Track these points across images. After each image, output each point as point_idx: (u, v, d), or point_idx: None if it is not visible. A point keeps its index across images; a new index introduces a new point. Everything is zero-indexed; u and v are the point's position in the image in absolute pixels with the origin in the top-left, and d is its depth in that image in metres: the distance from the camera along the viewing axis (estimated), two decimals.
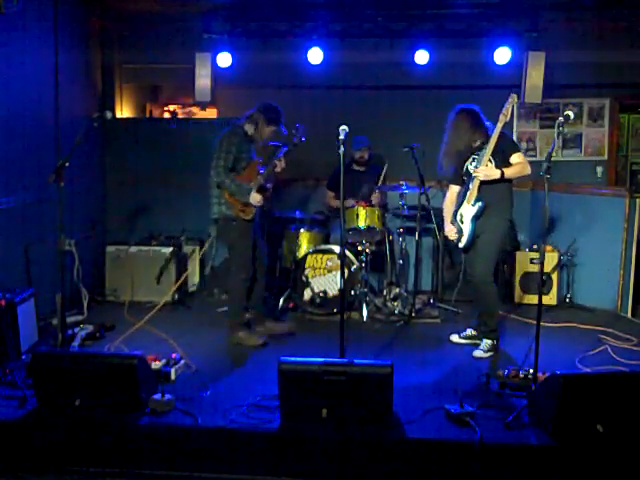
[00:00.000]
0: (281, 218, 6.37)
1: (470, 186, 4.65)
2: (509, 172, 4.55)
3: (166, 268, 6.17)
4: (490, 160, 4.57)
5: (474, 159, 4.70)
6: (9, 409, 3.59)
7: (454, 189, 4.92)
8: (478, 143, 4.68)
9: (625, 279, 5.85)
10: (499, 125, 4.50)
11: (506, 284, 6.35)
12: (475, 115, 4.70)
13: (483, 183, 4.57)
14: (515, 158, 4.59)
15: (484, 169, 4.53)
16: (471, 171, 4.66)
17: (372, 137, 6.30)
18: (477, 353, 4.69)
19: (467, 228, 4.69)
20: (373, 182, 6.28)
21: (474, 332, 4.99)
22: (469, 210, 4.65)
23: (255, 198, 4.75)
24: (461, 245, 4.78)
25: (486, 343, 4.73)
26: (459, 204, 4.79)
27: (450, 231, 4.84)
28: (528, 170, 4.60)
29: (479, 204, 4.59)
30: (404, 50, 6.52)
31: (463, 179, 4.79)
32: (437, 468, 3.27)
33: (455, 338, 5.05)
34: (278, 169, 4.90)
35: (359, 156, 6.27)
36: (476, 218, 4.62)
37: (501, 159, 4.58)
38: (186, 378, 4.13)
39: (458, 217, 4.79)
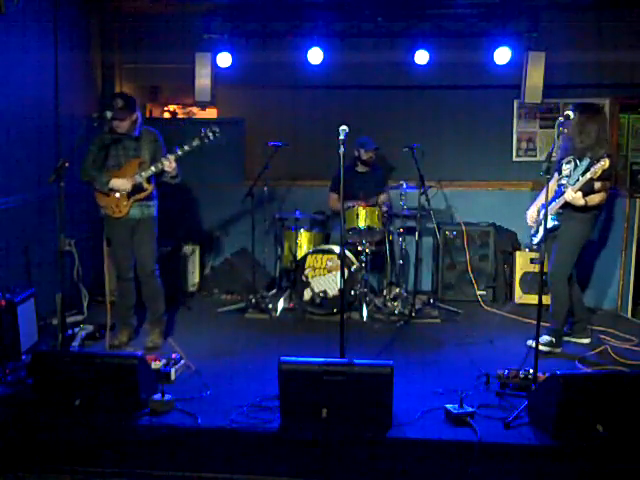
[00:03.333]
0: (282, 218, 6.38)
1: (557, 197, 4.66)
2: (590, 202, 4.53)
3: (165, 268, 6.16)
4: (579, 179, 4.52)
5: (570, 161, 4.66)
6: (9, 410, 3.59)
7: (556, 177, 4.85)
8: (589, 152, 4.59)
9: (625, 279, 5.85)
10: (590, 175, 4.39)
11: (506, 284, 6.36)
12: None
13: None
14: (599, 185, 4.53)
15: (573, 195, 4.49)
16: (564, 174, 4.66)
17: (372, 137, 6.30)
18: (531, 342, 4.62)
19: (541, 232, 4.78)
20: (376, 183, 6.28)
21: (568, 330, 5.00)
22: (548, 220, 4.67)
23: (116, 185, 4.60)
24: (534, 242, 4.91)
25: (544, 337, 4.69)
26: (550, 202, 4.70)
27: (531, 217, 4.94)
28: (604, 201, 4.62)
29: (555, 222, 4.70)
30: (404, 50, 6.51)
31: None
32: (437, 468, 3.27)
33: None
34: (166, 168, 4.54)
35: (368, 157, 6.23)
36: (548, 230, 4.65)
37: (590, 182, 4.51)
38: (186, 378, 4.14)
39: (542, 214, 4.77)
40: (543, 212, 4.75)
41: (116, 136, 4.62)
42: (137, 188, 4.61)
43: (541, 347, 4.58)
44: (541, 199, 4.83)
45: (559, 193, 4.65)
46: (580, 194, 4.48)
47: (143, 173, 4.57)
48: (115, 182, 4.58)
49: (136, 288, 4.92)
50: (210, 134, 4.58)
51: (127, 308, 4.92)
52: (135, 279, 4.88)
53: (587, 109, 4.62)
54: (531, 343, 4.57)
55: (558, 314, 4.76)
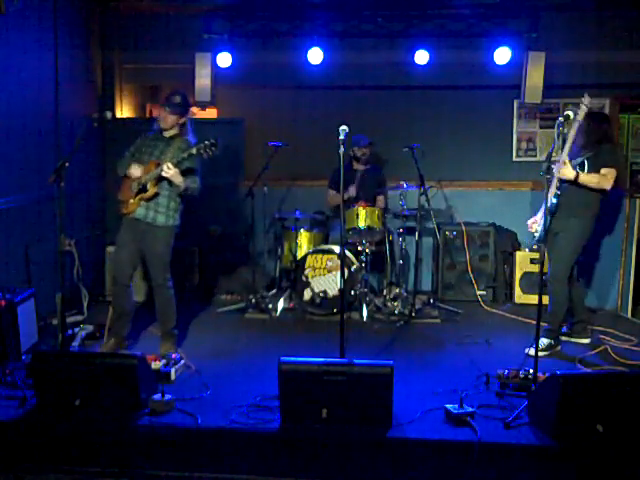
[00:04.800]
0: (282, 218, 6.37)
1: (552, 182, 4.56)
2: (584, 178, 4.48)
3: None
4: (567, 160, 4.47)
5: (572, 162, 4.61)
6: (9, 409, 3.59)
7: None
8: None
9: (625, 279, 5.86)
10: (573, 129, 4.37)
11: (506, 284, 6.36)
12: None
13: (565, 182, 4.52)
14: (603, 170, 4.51)
15: (562, 167, 4.45)
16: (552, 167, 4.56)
17: (372, 137, 6.31)
18: (528, 350, 4.55)
19: (541, 223, 4.70)
20: (375, 181, 6.30)
21: (568, 331, 4.98)
22: (550, 200, 4.57)
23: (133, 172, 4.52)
24: (535, 240, 4.83)
25: (542, 341, 4.62)
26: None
27: (532, 225, 4.85)
28: (606, 185, 4.52)
29: (552, 200, 4.55)
30: (404, 50, 6.52)
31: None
32: (437, 468, 3.27)
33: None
34: (164, 174, 4.36)
35: (362, 153, 6.26)
36: (550, 214, 4.52)
37: (595, 166, 4.49)
38: (186, 378, 4.14)
39: (542, 211, 4.74)
40: (543, 208, 4.72)
41: (152, 135, 4.61)
42: (142, 188, 4.51)
43: (541, 353, 4.53)
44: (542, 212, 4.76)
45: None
46: (569, 166, 4.43)
47: (150, 174, 4.46)
48: (132, 167, 4.52)
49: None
50: (209, 150, 4.36)
51: (117, 315, 4.65)
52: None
53: (596, 117, 4.66)
54: (528, 351, 4.50)
55: (556, 314, 4.74)
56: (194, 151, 4.38)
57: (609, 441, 3.23)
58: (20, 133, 5.15)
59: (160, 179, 4.48)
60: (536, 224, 4.83)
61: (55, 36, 5.63)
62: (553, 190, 4.58)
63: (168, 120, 4.58)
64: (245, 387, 3.96)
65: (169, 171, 4.36)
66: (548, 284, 4.74)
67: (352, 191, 6.12)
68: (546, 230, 4.35)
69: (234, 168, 6.90)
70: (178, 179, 4.42)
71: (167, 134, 4.62)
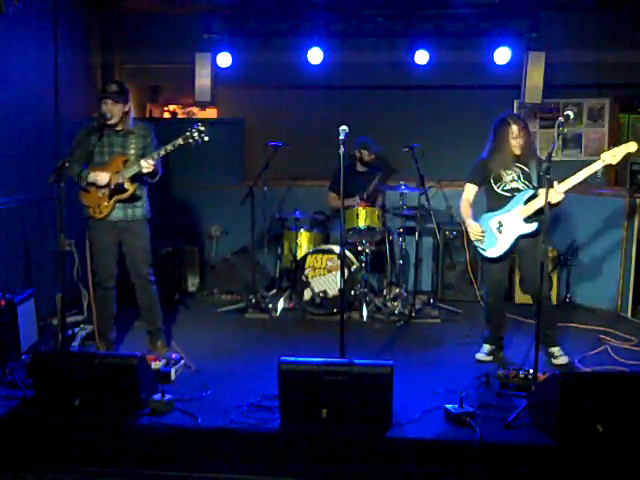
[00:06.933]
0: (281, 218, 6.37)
1: (522, 200, 4.38)
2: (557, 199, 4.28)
3: (165, 268, 6.17)
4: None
5: (515, 170, 4.46)
6: (9, 409, 3.59)
7: (473, 189, 4.66)
8: (527, 157, 4.47)
9: (625, 279, 5.85)
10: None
11: None
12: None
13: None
14: (558, 186, 4.28)
15: (554, 194, 4.19)
16: (509, 178, 4.46)
17: (372, 137, 6.30)
18: (561, 360, 4.49)
19: (507, 241, 4.43)
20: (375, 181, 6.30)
21: (492, 345, 4.69)
22: (520, 226, 4.37)
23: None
24: (491, 254, 4.50)
25: (559, 349, 4.52)
26: (497, 211, 4.49)
27: (475, 229, 4.51)
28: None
29: (535, 225, 4.35)
30: (404, 50, 6.53)
31: (487, 181, 4.57)
32: (437, 468, 3.27)
33: (482, 357, 4.66)
34: (144, 170, 4.25)
35: (370, 159, 6.24)
36: (524, 236, 4.37)
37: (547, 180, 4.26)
38: (186, 378, 4.14)
39: (493, 224, 4.48)
40: (491, 218, 4.51)
41: (104, 130, 4.36)
42: (119, 188, 4.34)
43: (565, 360, 4.49)
44: (467, 212, 4.59)
45: (507, 199, 4.43)
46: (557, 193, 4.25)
47: (125, 173, 4.30)
48: (92, 175, 4.32)
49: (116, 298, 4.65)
50: (195, 133, 4.23)
51: (105, 320, 4.61)
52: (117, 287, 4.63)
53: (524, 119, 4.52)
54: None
55: (555, 325, 4.59)
56: (180, 141, 4.23)
57: (609, 441, 3.23)
58: (20, 133, 5.15)
59: (135, 176, 4.34)
60: (479, 230, 4.52)
61: (55, 36, 5.63)
62: (529, 212, 4.37)
63: (115, 111, 4.33)
64: (245, 387, 3.96)
65: (150, 167, 4.25)
66: (542, 304, 4.23)
67: (356, 200, 6.07)
68: (510, 251, 4.35)
69: (234, 168, 6.91)
70: (156, 169, 4.32)
71: (117, 127, 4.40)
